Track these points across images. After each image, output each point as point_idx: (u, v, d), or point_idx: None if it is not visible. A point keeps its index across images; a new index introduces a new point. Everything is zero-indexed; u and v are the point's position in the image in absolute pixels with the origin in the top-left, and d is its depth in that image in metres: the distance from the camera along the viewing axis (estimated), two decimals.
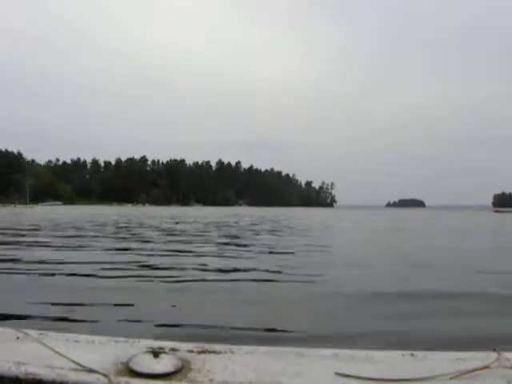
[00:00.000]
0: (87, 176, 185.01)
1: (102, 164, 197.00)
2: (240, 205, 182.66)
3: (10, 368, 1.06)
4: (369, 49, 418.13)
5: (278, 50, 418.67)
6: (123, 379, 1.04)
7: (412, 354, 1.21)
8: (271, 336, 3.32)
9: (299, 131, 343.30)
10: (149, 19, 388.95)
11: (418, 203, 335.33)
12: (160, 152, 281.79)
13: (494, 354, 1.17)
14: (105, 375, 1.04)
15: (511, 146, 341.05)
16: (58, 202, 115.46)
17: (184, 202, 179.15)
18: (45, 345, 1.19)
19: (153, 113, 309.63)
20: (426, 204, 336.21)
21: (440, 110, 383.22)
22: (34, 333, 1.28)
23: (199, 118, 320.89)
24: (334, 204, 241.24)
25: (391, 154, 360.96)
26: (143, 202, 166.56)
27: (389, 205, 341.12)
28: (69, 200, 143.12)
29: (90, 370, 1.06)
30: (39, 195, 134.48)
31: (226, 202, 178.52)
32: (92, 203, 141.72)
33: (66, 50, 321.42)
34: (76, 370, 1.06)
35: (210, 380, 1.06)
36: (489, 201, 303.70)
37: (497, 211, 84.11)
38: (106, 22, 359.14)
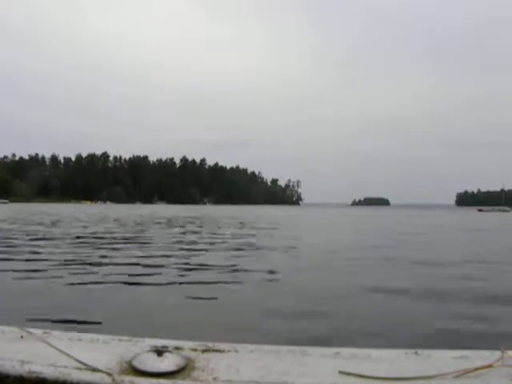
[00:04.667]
0: (46, 173, 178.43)
1: (62, 160, 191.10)
2: (205, 203, 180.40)
3: (13, 367, 1.06)
4: (343, 48, 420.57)
5: (247, 47, 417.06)
6: (127, 378, 1.04)
7: (416, 353, 1.20)
8: None
9: (265, 129, 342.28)
10: (118, 15, 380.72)
11: (383, 201, 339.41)
12: (122, 148, 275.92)
13: (497, 353, 1.16)
14: (109, 374, 1.04)
15: (473, 147, 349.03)
16: (4, 200, 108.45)
17: (147, 199, 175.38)
18: (48, 344, 1.19)
19: (115, 108, 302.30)
20: (391, 202, 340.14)
21: (411, 111, 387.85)
22: (37, 332, 1.27)
23: (163, 115, 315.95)
24: (300, 202, 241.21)
25: (357, 154, 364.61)
26: (104, 200, 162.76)
27: (354, 203, 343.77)
28: (24, 198, 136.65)
29: (94, 369, 1.06)
30: None
31: (191, 200, 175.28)
32: (50, 201, 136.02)
33: (24, 38, 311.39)
34: (80, 368, 1.07)
35: (214, 379, 1.06)
36: (452, 199, 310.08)
37: (480, 210, 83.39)
38: (69, 13, 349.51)
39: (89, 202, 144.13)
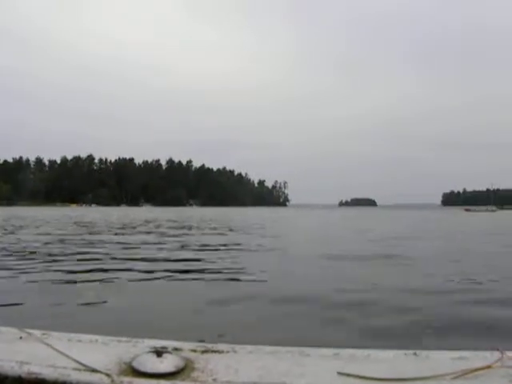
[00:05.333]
0: (31, 176, 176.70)
1: (47, 163, 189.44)
2: (191, 205, 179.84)
3: (12, 367, 1.07)
4: (331, 50, 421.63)
5: (232, 49, 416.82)
6: (126, 379, 1.04)
7: (414, 354, 1.21)
8: None
9: (252, 131, 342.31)
10: (104, 14, 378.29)
11: (370, 202, 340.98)
12: (107, 150, 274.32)
13: (496, 354, 1.17)
14: (108, 375, 1.04)
15: (459, 148, 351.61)
16: None
17: (133, 202, 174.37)
18: (48, 344, 1.19)
19: (99, 110, 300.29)
20: (378, 203, 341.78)
21: (398, 113, 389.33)
22: (36, 332, 1.28)
23: (148, 116, 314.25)
24: (287, 203, 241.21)
25: (344, 155, 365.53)
26: (89, 203, 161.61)
27: (341, 204, 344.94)
28: (7, 201, 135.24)
29: (93, 370, 1.06)
30: None
31: (177, 202, 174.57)
32: (35, 204, 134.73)
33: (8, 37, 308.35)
34: (79, 369, 1.07)
35: (214, 379, 1.06)
36: (438, 199, 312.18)
37: (467, 210, 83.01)
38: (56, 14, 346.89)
39: (74, 205, 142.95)
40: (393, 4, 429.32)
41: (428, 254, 10.18)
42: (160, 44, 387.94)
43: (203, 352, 1.19)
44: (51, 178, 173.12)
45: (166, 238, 14.03)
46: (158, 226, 21.98)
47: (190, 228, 21.07)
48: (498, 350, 1.18)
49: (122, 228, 20.47)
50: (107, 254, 9.20)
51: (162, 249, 10.58)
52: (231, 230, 19.99)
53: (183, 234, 16.34)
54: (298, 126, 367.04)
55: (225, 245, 11.76)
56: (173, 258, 8.88)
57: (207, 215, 45.24)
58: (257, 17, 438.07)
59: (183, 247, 11.22)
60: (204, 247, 11.08)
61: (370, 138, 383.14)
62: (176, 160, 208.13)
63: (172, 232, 17.56)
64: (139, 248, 10.75)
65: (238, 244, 12.02)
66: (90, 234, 16.30)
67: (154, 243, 12.18)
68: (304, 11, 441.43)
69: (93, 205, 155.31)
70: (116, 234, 15.81)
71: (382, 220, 37.86)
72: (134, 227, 21.27)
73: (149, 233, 17.07)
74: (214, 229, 20.48)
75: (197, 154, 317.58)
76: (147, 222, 27.34)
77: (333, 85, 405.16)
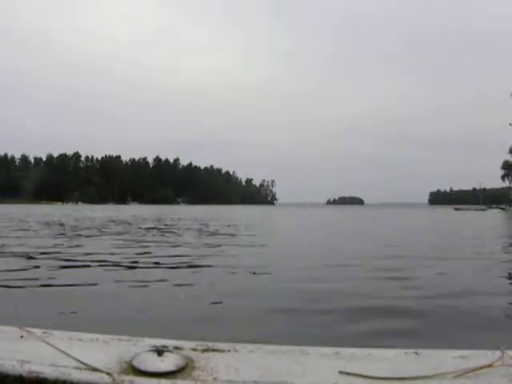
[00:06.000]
0: (16, 173, 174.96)
1: (32, 160, 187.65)
2: (179, 203, 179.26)
3: (13, 366, 1.06)
4: (318, 51, 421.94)
5: (222, 48, 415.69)
6: (127, 378, 1.04)
7: (416, 352, 1.20)
8: None
9: (239, 130, 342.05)
10: (90, 11, 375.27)
11: (357, 201, 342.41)
12: (94, 148, 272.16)
13: (497, 353, 1.16)
14: (108, 374, 1.04)
15: (446, 148, 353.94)
16: None
17: (120, 200, 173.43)
18: (48, 343, 1.19)
19: (86, 106, 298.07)
20: (365, 202, 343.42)
21: (385, 113, 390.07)
22: (37, 331, 1.27)
23: (135, 114, 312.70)
24: (275, 202, 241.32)
25: (331, 154, 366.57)
26: (76, 201, 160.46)
27: (329, 202, 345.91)
28: None
29: (94, 369, 1.06)
30: None
31: (165, 201, 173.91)
32: (20, 202, 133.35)
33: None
34: (80, 368, 1.07)
35: (214, 378, 1.06)
36: (425, 198, 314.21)
37: (457, 209, 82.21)
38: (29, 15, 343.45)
39: (60, 203, 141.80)
40: (392, 3, 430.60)
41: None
42: (150, 43, 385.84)
43: (204, 351, 1.18)
44: (37, 175, 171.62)
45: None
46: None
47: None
48: (499, 348, 1.17)
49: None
50: None
51: None
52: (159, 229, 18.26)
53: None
54: (286, 126, 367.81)
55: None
56: None
57: (167, 213, 43.57)
58: (245, 18, 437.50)
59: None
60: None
61: (358, 137, 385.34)
62: (163, 158, 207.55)
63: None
64: None
65: (148, 253, 8.83)
66: None
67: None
68: (296, 11, 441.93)
69: (79, 203, 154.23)
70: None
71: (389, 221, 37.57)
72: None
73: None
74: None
75: (184, 153, 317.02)
76: (111, 221, 25.70)
77: (322, 85, 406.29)
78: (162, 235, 14.19)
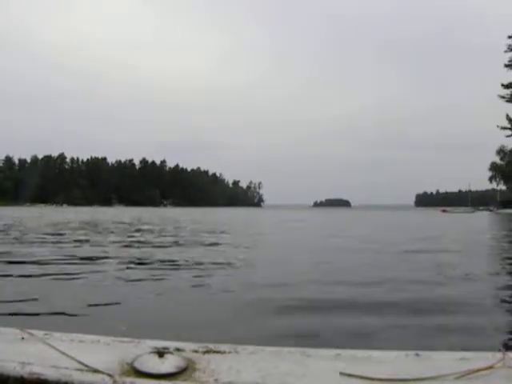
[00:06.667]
0: (0, 174, 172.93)
1: (17, 162, 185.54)
2: (165, 205, 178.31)
3: (14, 368, 1.06)
4: (305, 52, 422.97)
5: (206, 48, 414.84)
6: (128, 379, 1.04)
7: (416, 354, 1.20)
8: None
9: (226, 132, 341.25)
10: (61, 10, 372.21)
11: (343, 203, 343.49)
12: (79, 150, 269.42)
13: (498, 355, 1.16)
14: (110, 375, 1.05)
15: (430, 150, 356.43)
16: None
17: (106, 202, 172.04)
18: (50, 345, 1.19)
19: (70, 107, 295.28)
20: (352, 204, 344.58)
21: (372, 115, 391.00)
22: (38, 333, 1.28)
23: (121, 115, 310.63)
24: (262, 203, 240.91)
25: (318, 157, 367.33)
26: (60, 203, 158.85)
27: (316, 204, 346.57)
28: None
29: (95, 371, 1.06)
30: None
31: (151, 203, 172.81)
32: (3, 204, 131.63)
33: None
34: (81, 370, 1.07)
35: (215, 380, 1.07)
36: (411, 200, 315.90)
37: (444, 211, 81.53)
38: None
39: (43, 205, 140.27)
40: (354, 9, 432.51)
41: None
42: (133, 42, 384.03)
43: (205, 352, 1.19)
44: (21, 177, 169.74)
45: None
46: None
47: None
48: (500, 350, 1.17)
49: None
50: None
51: None
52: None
53: None
54: (274, 128, 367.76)
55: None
56: None
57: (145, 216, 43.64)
58: (231, 18, 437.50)
59: None
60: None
61: (344, 139, 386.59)
62: (149, 160, 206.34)
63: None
64: None
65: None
66: None
67: None
68: (278, 11, 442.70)
69: (64, 205, 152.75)
70: None
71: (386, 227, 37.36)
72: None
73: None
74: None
75: (171, 154, 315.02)
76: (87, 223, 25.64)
77: (308, 86, 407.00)
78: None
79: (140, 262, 8.71)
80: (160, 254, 10.19)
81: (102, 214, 48.53)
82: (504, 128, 70.22)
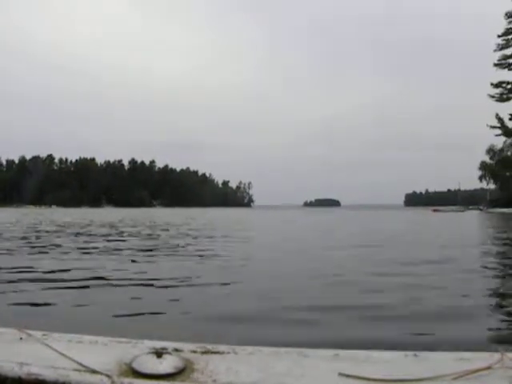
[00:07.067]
0: None
1: (4, 163, 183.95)
2: (154, 205, 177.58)
3: (12, 368, 1.06)
4: (292, 53, 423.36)
5: (195, 48, 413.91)
6: (126, 380, 1.04)
7: (415, 355, 1.21)
8: None
9: (216, 132, 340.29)
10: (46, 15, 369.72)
11: (333, 202, 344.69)
12: (68, 150, 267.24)
13: (496, 355, 1.17)
14: (108, 376, 1.05)
15: (421, 150, 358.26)
16: None
17: (95, 203, 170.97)
18: (48, 345, 1.19)
19: (58, 107, 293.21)
20: (342, 203, 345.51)
21: (360, 116, 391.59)
22: (36, 333, 1.28)
23: (109, 115, 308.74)
24: (252, 204, 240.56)
25: (308, 156, 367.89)
26: (49, 204, 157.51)
27: (306, 204, 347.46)
28: None
29: (93, 371, 1.06)
30: None
31: (140, 203, 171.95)
32: None
33: None
34: (79, 370, 1.07)
35: (214, 381, 1.07)
36: (400, 200, 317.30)
37: (435, 210, 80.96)
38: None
39: (31, 207, 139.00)
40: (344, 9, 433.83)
41: None
42: (117, 41, 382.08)
43: (203, 353, 1.19)
44: (9, 178, 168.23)
45: None
46: None
47: None
48: (498, 351, 1.18)
49: None
50: None
51: None
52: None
53: None
54: (263, 128, 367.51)
55: None
56: None
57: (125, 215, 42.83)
58: (217, 16, 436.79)
59: None
60: None
61: (333, 140, 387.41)
62: (139, 160, 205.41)
63: None
64: None
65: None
66: None
67: None
68: (268, 9, 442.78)
69: (53, 206, 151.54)
70: None
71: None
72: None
73: None
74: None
75: (160, 155, 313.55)
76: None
77: (297, 86, 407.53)
78: None
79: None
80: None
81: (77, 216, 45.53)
82: (493, 127, 70.30)
